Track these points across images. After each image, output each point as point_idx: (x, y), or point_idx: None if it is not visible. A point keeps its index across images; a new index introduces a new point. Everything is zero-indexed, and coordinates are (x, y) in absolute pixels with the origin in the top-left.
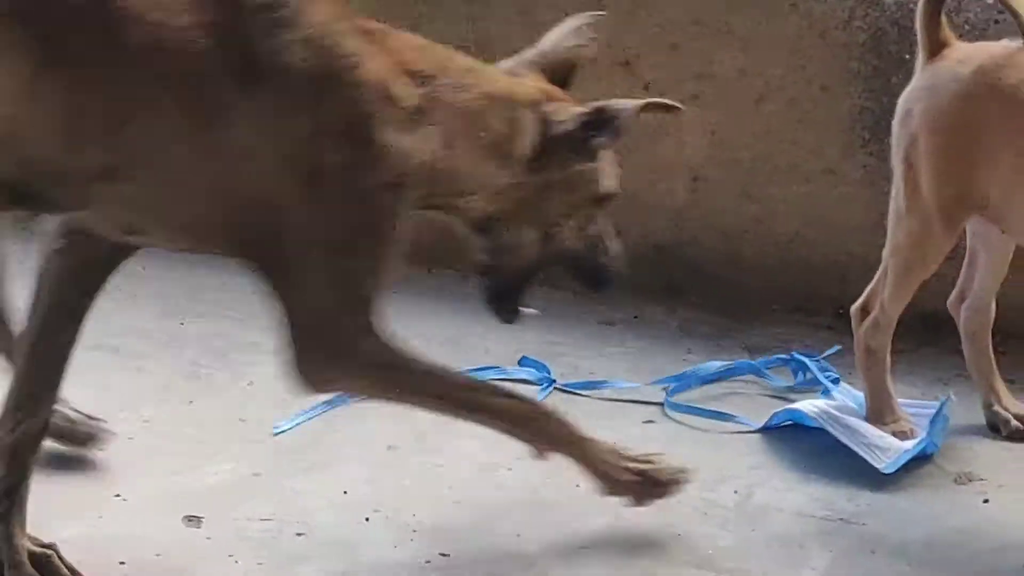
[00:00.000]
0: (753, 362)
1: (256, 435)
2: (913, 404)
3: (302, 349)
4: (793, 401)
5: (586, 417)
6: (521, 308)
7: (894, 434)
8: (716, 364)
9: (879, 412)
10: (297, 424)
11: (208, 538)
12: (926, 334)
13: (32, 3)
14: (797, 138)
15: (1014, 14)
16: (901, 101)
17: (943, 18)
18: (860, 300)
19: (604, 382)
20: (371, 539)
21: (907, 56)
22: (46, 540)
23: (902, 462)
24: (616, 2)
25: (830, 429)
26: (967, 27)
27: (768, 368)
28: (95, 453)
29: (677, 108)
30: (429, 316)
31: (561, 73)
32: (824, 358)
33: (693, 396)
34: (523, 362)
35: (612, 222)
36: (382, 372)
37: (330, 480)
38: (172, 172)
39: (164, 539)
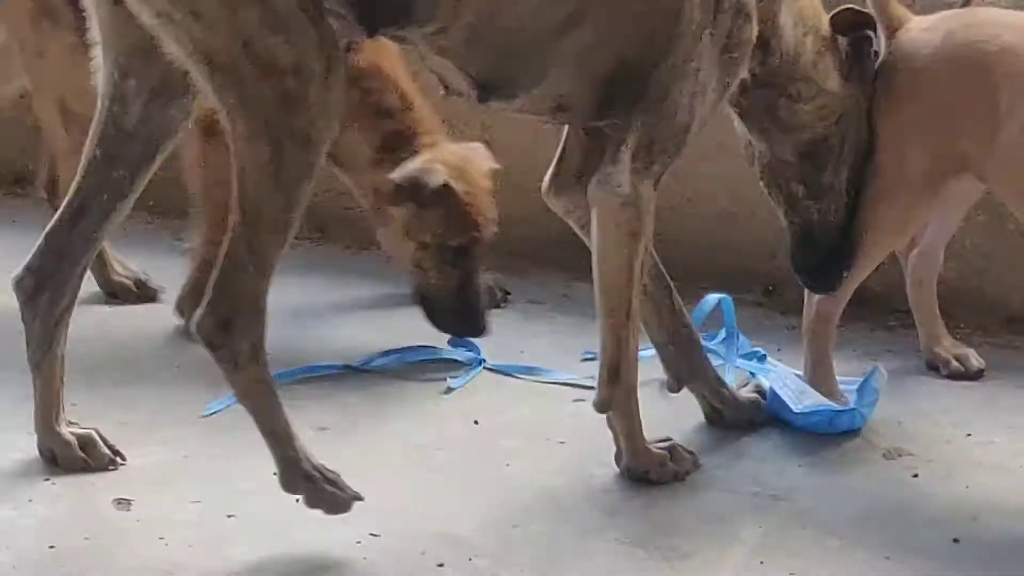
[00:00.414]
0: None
1: (186, 417)
2: (843, 380)
3: (628, 170)
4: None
5: (516, 397)
6: None
7: None
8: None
9: (818, 383)
10: (227, 406)
11: (138, 521)
12: (857, 309)
13: None
14: (725, 116)
15: None
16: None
17: None
18: None
19: (534, 368)
20: (301, 520)
21: None
22: None
23: (823, 417)
24: None
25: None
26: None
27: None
28: (23, 436)
29: None
30: (360, 296)
31: None
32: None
33: None
34: (453, 342)
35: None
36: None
37: (260, 462)
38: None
39: (94, 522)
